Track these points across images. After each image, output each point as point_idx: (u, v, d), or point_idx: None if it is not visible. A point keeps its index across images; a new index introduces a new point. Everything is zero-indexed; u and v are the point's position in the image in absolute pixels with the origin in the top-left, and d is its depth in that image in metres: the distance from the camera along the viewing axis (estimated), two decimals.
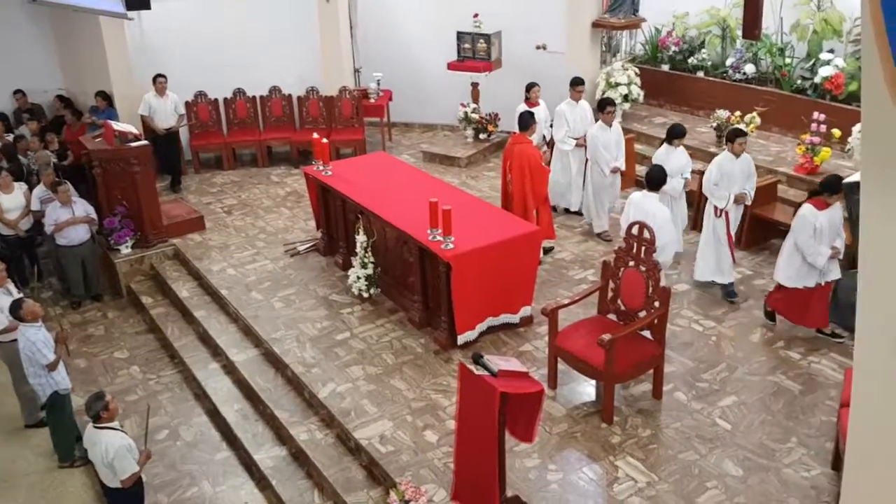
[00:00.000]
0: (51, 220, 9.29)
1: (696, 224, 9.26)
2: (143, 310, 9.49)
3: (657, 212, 7.18)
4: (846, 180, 7.36)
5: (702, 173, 8.42)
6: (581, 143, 9.65)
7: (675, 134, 8.68)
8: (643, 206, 7.29)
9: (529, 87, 10.02)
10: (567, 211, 10.17)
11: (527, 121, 8.70)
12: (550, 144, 10.26)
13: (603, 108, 9.27)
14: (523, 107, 9.79)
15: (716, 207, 8.05)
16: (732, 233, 8.14)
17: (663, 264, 7.15)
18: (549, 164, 9.71)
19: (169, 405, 7.90)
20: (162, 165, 11.81)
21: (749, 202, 8.23)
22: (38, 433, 7.61)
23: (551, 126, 10.17)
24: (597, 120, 9.49)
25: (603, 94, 11.68)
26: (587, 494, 5.80)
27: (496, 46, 12.17)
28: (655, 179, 7.40)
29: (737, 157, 7.94)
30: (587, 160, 9.58)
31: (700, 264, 8.28)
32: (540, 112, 9.86)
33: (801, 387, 6.80)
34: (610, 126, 9.30)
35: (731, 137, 8.00)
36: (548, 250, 9.06)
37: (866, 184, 2.72)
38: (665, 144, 8.75)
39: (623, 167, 9.45)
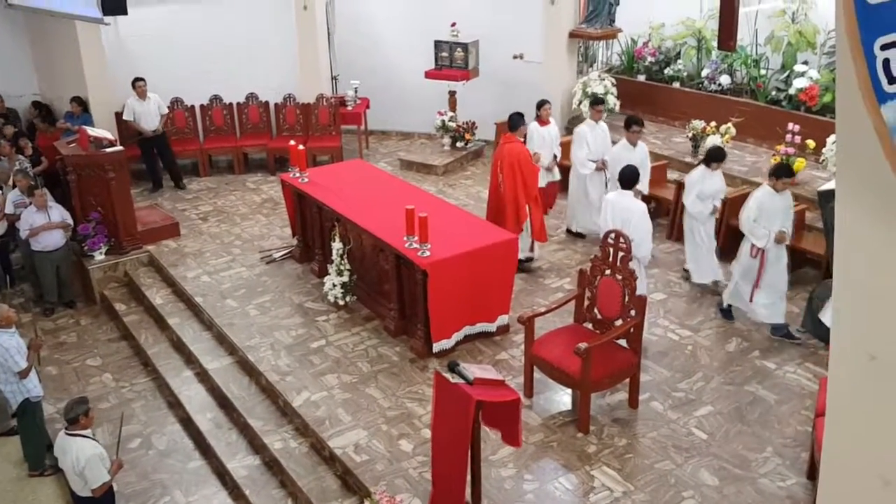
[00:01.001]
0: (26, 224, 9.17)
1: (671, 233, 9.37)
2: (116, 317, 9.37)
3: (633, 207, 7.32)
4: (820, 188, 7.43)
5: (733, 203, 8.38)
6: (601, 167, 9.29)
7: (714, 157, 8.21)
8: (620, 203, 7.38)
9: (540, 104, 9.63)
10: (577, 234, 9.80)
11: (516, 121, 8.69)
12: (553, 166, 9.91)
13: (629, 126, 8.90)
14: (535, 125, 9.50)
15: (752, 246, 7.49)
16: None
17: (642, 259, 7.25)
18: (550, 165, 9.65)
19: (142, 413, 7.79)
20: (153, 168, 11.76)
21: (788, 241, 7.60)
22: (9, 441, 7.48)
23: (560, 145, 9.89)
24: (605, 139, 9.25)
25: (579, 103, 11.74)
26: None
27: (473, 55, 12.20)
28: (628, 178, 7.50)
29: (778, 192, 7.46)
30: (607, 183, 9.21)
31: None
32: (551, 130, 9.63)
33: (777, 396, 6.84)
34: (634, 146, 8.92)
35: (777, 174, 7.46)
36: (525, 260, 8.92)
37: (841, 191, 2.73)
38: (702, 166, 8.30)
39: (646, 191, 8.98)
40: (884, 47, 2.44)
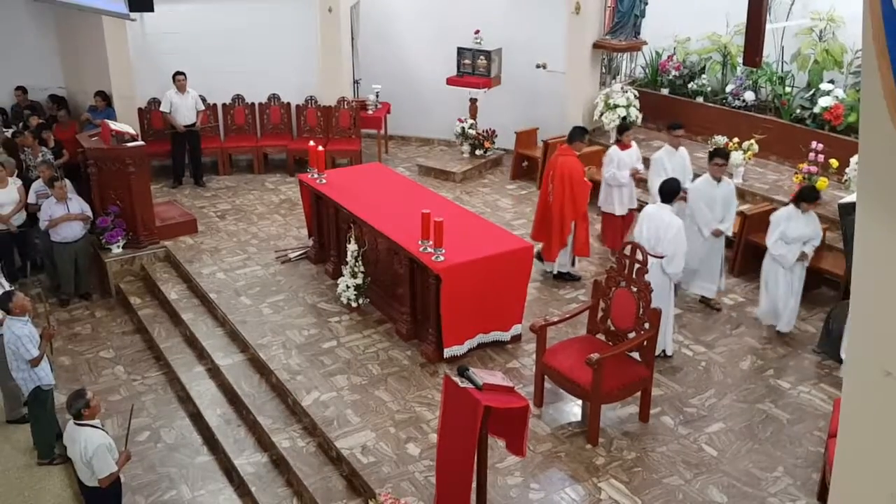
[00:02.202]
0: (45, 215, 9.26)
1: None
2: (131, 310, 9.42)
3: (671, 222, 7.21)
4: (841, 201, 7.35)
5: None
6: (681, 198, 8.14)
7: (804, 197, 7.60)
8: (657, 217, 7.28)
9: (622, 129, 9.38)
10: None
11: (574, 134, 8.66)
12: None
13: (711, 158, 8.26)
14: (615, 149, 9.20)
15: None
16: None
17: (672, 276, 7.19)
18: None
19: (152, 407, 7.81)
20: (179, 164, 11.87)
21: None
22: (20, 429, 7.52)
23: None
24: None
25: (601, 115, 11.70)
26: None
27: (496, 63, 12.19)
28: (668, 191, 7.39)
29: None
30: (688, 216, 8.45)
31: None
32: (631, 154, 9.30)
33: (790, 416, 6.75)
34: (718, 181, 8.14)
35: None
36: (563, 275, 8.93)
37: (862, 202, 2.68)
38: (791, 206, 7.69)
39: (729, 231, 8.24)
40: None
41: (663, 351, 7.41)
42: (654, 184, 8.30)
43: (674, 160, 8.88)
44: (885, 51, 2.39)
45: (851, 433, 2.92)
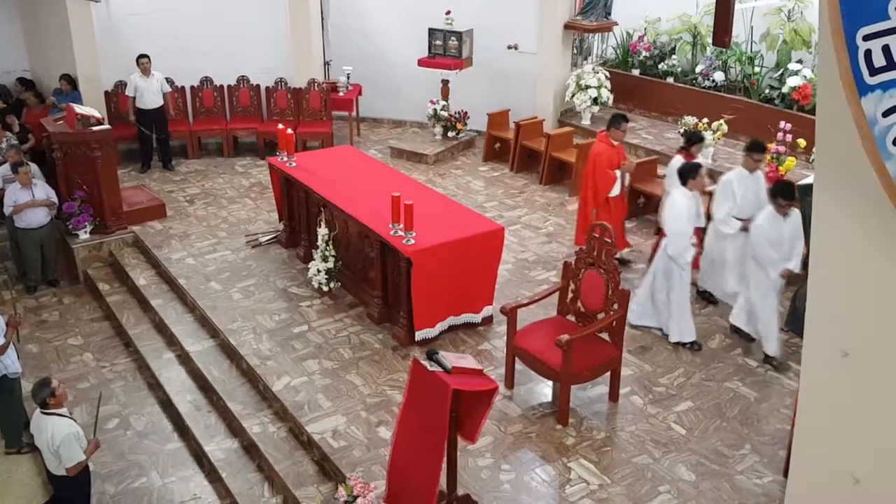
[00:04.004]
0: (10, 201, 9.09)
1: None
2: (99, 296, 9.30)
3: (675, 200, 7.32)
4: (800, 182, 7.38)
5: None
6: (748, 228, 7.34)
7: (781, 193, 6.96)
8: (670, 195, 7.43)
9: (691, 141, 8.41)
10: (705, 296, 8.18)
11: (612, 121, 8.59)
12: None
13: (748, 151, 7.65)
14: (679, 158, 8.16)
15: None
16: None
17: (675, 258, 7.22)
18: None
19: (121, 394, 7.74)
20: (146, 148, 11.69)
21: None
22: None
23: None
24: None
25: (572, 96, 11.69)
26: (539, 495, 5.76)
27: (468, 44, 12.12)
28: (684, 172, 7.45)
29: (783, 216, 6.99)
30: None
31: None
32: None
33: (758, 394, 6.83)
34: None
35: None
36: (624, 262, 8.65)
37: (819, 184, 2.69)
38: (767, 208, 7.07)
39: (797, 268, 7.09)
40: (866, 38, 2.41)
41: (689, 343, 7.40)
42: (719, 211, 7.60)
43: (745, 185, 7.63)
44: (840, 31, 2.40)
45: (810, 413, 2.95)
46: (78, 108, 9.72)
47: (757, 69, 11.07)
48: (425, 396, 4.95)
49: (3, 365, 6.80)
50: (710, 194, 8.03)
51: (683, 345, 7.41)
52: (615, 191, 8.53)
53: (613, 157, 8.52)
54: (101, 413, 6.33)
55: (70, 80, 11.35)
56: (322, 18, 12.75)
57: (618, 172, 8.52)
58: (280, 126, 9.46)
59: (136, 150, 11.84)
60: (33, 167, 9.34)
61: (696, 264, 7.93)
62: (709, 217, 7.87)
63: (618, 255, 7.72)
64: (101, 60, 11.49)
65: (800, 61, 10.63)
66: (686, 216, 7.26)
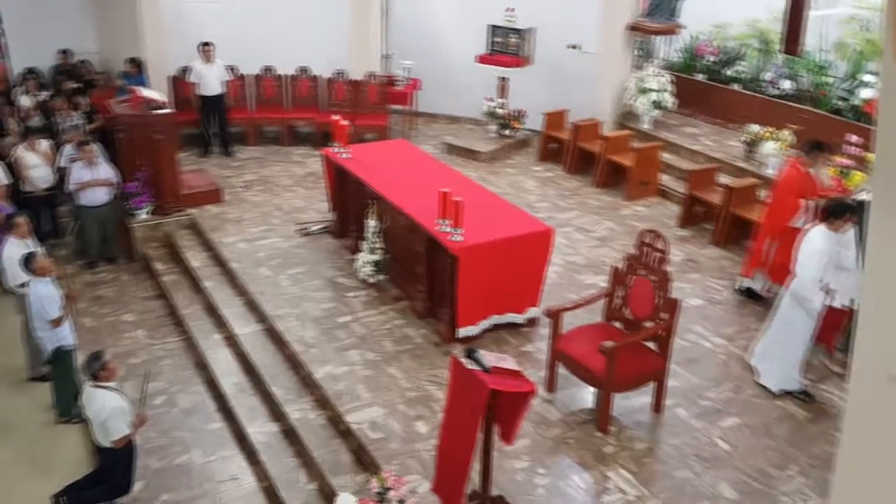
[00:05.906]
0: (74, 179, 9.37)
1: None
2: (154, 276, 9.52)
3: (811, 238, 6.53)
4: (861, 197, 7.09)
5: None
6: (848, 219, 6.57)
7: (835, 214, 6.48)
8: (808, 232, 6.63)
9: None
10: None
11: (808, 146, 7.79)
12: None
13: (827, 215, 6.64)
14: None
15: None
16: None
17: (794, 294, 6.56)
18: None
19: (169, 371, 7.91)
20: (206, 133, 11.91)
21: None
22: (41, 387, 7.66)
23: None
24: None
25: (633, 99, 11.50)
26: (574, 502, 5.68)
27: (528, 43, 12.01)
28: (833, 210, 6.55)
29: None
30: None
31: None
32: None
33: (809, 414, 6.61)
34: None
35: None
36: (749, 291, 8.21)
37: (876, 197, 2.57)
38: (820, 226, 6.57)
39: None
40: None
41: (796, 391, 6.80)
42: (806, 273, 6.49)
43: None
44: None
45: (853, 436, 2.84)
46: (143, 91, 9.95)
47: (827, 79, 10.72)
48: (464, 394, 4.92)
49: (59, 337, 7.03)
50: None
51: (788, 393, 6.81)
52: (798, 221, 7.58)
53: (805, 184, 7.72)
54: (148, 389, 6.47)
55: (136, 64, 11.62)
56: (383, 11, 12.81)
57: (806, 202, 7.61)
58: (335, 118, 9.53)
59: (197, 135, 12.06)
60: (95, 147, 9.59)
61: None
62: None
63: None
64: (167, 45, 11.74)
65: (873, 73, 10.26)
66: (817, 258, 6.40)
